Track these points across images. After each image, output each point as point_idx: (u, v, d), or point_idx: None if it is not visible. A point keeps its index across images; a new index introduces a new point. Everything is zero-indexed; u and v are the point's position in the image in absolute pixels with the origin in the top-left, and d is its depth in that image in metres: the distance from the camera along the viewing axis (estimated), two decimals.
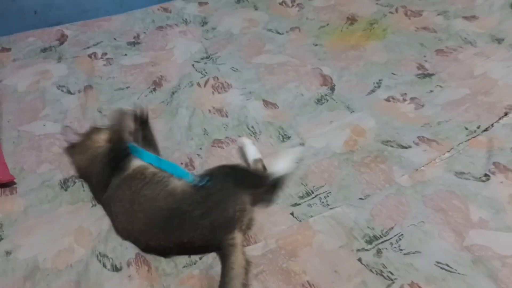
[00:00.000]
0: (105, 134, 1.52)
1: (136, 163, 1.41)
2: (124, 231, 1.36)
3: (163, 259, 1.32)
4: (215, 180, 1.31)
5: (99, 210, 1.46)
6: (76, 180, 1.58)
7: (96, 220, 1.44)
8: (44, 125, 1.82)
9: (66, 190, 1.56)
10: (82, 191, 1.55)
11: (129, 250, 1.35)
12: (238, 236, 1.28)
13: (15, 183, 1.58)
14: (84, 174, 1.54)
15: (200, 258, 1.32)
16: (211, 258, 1.31)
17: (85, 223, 1.44)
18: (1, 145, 1.72)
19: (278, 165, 1.43)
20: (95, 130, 1.57)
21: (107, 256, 1.35)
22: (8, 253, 1.36)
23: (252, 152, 1.55)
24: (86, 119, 1.83)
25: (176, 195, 1.30)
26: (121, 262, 1.33)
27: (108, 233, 1.40)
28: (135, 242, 1.34)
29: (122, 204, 1.34)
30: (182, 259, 1.32)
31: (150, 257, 1.34)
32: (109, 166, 1.41)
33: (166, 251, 1.32)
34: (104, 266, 1.33)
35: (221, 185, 1.31)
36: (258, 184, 1.40)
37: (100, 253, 1.36)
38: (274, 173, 1.40)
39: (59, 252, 1.35)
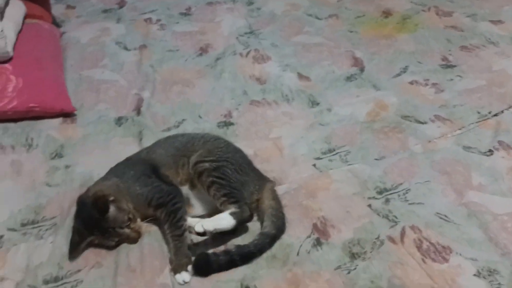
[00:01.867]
0: None
1: None
2: None
3: None
4: None
5: (146, 144, 1.68)
6: (128, 119, 1.81)
7: None
8: (102, 73, 2.06)
9: (119, 126, 1.79)
10: (132, 125, 1.78)
11: None
12: None
13: (75, 114, 1.82)
14: None
15: None
16: None
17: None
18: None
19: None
20: None
21: None
22: (67, 166, 1.59)
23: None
24: (140, 73, 2.07)
25: None
26: None
27: None
28: None
29: None
30: None
31: None
32: None
33: None
34: None
35: None
36: None
37: None
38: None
39: None
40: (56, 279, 1.23)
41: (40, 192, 1.49)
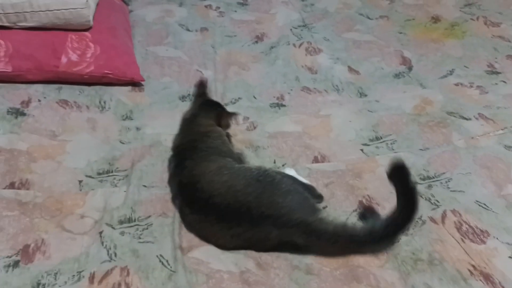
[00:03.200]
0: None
1: None
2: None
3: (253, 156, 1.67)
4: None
5: None
6: (190, 94, 1.96)
7: None
8: (167, 50, 2.22)
9: (182, 101, 1.92)
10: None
11: None
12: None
13: (142, 84, 1.97)
14: None
15: (283, 165, 1.65)
16: None
17: None
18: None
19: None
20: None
21: None
22: (138, 128, 1.74)
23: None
24: (201, 51, 2.22)
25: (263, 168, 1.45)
26: None
27: None
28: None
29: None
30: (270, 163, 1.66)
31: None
32: None
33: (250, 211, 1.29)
34: None
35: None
36: (314, 195, 1.48)
37: None
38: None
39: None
40: (129, 220, 1.38)
41: (114, 146, 1.64)
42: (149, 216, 1.40)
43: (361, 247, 1.31)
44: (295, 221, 1.27)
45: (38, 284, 1.18)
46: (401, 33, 2.43)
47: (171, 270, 1.24)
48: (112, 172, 1.55)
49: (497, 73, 2.13)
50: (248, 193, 1.30)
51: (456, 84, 2.06)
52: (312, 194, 1.46)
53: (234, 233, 1.29)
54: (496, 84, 2.05)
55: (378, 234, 1.29)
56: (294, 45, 2.32)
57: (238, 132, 1.77)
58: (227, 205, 1.29)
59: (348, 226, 1.34)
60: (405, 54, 2.26)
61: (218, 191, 1.31)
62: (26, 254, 1.25)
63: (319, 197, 1.50)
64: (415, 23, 2.52)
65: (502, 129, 1.79)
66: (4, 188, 1.43)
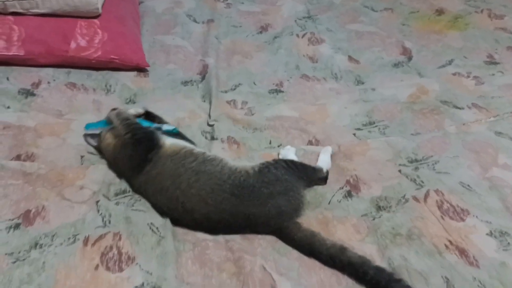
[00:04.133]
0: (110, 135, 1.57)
1: (168, 141, 1.51)
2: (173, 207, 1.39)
3: (250, 137, 1.74)
4: (280, 170, 1.42)
5: (206, 105, 1.91)
6: (193, 80, 2.05)
7: (203, 110, 1.88)
8: (173, 39, 2.31)
9: (185, 86, 2.02)
10: (196, 90, 2.00)
11: (222, 131, 1.77)
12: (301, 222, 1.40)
13: (147, 70, 2.06)
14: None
15: (279, 146, 1.72)
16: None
17: (197, 110, 1.89)
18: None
19: (325, 163, 1.59)
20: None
21: (209, 132, 1.78)
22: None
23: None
24: (206, 42, 2.30)
25: (239, 172, 1.40)
26: (218, 136, 1.76)
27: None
28: (190, 217, 1.37)
29: (174, 180, 1.39)
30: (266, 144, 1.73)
31: (238, 137, 1.75)
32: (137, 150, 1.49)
33: (226, 226, 1.37)
34: (206, 138, 1.76)
35: (287, 176, 1.42)
36: (314, 179, 1.54)
37: (203, 130, 1.79)
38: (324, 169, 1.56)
39: (176, 119, 1.80)
40: (124, 192, 1.47)
41: None
42: None
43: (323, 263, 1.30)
44: (271, 228, 1.37)
45: (36, 244, 1.27)
46: (404, 24, 2.47)
47: (160, 236, 1.33)
48: None
49: (496, 63, 2.15)
50: (222, 210, 1.35)
51: (454, 74, 2.10)
52: (312, 176, 1.53)
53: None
54: (493, 74, 2.07)
55: (340, 264, 1.28)
56: (297, 35, 2.39)
57: (236, 114, 1.85)
58: (200, 224, 1.37)
59: (318, 243, 1.32)
60: (406, 45, 2.30)
61: (185, 215, 1.37)
62: (27, 218, 1.35)
63: (323, 180, 1.55)
64: (419, 15, 2.55)
65: (494, 116, 1.82)
66: (10, 160, 1.53)
